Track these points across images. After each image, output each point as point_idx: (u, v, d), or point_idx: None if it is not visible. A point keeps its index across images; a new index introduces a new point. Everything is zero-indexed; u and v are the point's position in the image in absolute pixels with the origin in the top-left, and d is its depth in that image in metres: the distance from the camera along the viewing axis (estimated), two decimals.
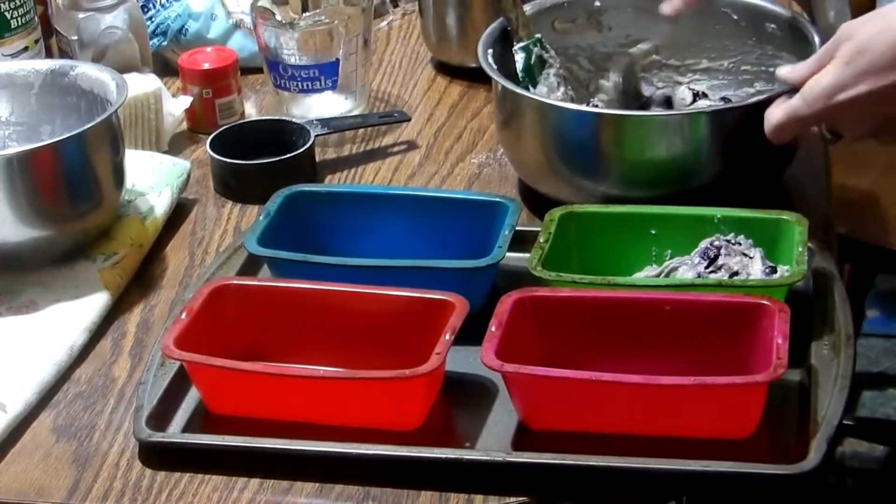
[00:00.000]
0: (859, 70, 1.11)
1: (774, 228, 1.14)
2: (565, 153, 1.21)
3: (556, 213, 1.17)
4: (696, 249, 1.14)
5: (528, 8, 1.35)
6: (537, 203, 1.29)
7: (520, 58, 1.32)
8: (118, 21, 1.47)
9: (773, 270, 1.11)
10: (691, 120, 1.22)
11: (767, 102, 1.18)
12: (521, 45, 1.32)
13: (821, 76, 1.13)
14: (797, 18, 1.31)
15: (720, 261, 1.12)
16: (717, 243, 1.13)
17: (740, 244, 1.13)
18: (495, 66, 1.28)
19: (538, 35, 1.33)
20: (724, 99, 1.36)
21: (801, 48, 1.27)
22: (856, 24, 1.14)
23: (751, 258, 1.12)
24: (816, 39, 1.26)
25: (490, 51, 1.30)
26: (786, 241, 1.13)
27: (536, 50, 1.32)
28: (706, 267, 1.13)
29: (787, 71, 1.18)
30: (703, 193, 1.19)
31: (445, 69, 1.59)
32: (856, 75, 1.11)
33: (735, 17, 1.35)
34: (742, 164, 1.22)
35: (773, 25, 1.32)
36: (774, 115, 1.16)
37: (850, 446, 2.17)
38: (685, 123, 1.22)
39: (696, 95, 1.37)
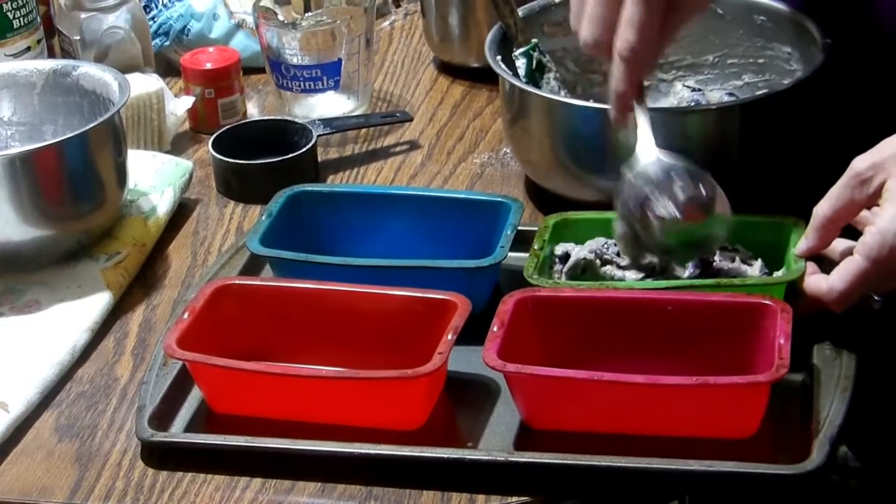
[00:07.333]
0: None
1: (773, 232, 1.13)
2: (574, 150, 1.21)
3: (550, 220, 1.17)
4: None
5: (520, 12, 1.35)
6: (543, 201, 1.29)
7: (521, 63, 1.32)
8: (120, 21, 1.47)
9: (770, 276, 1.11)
10: (700, 116, 1.23)
11: (777, 97, 1.17)
12: (521, 50, 1.32)
13: (883, 222, 1.00)
14: (788, 8, 1.31)
15: (715, 266, 1.12)
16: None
17: (738, 251, 1.13)
18: (504, 66, 1.28)
19: (535, 40, 1.33)
20: (731, 94, 1.36)
21: (796, 37, 1.28)
22: (879, 161, 1.02)
23: (749, 266, 1.12)
24: (814, 28, 1.26)
25: (497, 53, 1.30)
26: (785, 244, 1.12)
27: (536, 55, 1.32)
28: (700, 275, 1.12)
29: (802, 246, 1.07)
30: None
31: (448, 69, 1.59)
32: None
33: (720, 12, 1.35)
34: (750, 160, 1.22)
35: (762, 17, 1.32)
36: (836, 285, 1.03)
37: None
38: (694, 119, 1.22)
39: (695, 91, 1.37)
